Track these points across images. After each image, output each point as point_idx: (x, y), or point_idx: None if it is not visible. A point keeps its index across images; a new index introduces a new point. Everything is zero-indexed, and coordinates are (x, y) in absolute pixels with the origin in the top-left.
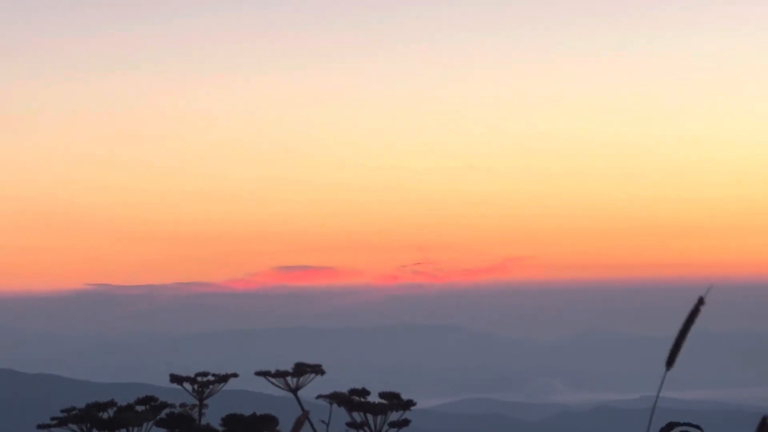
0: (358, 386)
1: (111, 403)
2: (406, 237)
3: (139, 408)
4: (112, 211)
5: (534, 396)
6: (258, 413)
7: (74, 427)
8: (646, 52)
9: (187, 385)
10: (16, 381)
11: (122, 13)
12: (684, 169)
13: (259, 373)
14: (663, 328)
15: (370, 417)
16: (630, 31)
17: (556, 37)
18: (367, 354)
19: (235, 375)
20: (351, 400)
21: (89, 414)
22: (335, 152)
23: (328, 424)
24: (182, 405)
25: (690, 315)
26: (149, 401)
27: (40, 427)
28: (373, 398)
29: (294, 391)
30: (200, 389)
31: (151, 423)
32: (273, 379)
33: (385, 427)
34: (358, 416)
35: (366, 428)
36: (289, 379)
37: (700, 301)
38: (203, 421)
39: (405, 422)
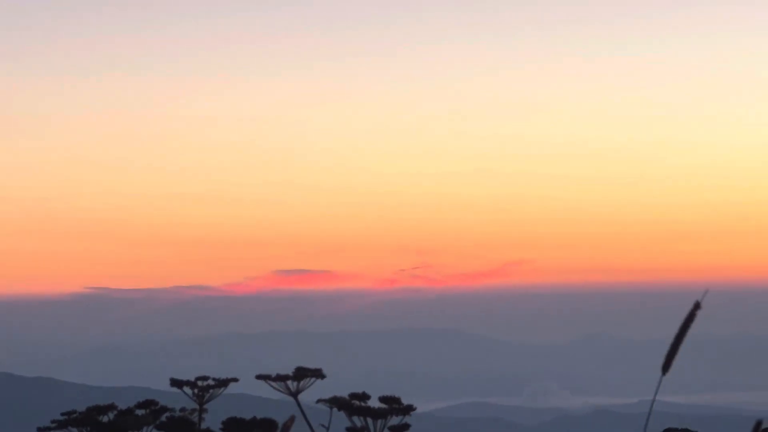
0: (358, 390)
1: (111, 407)
2: (405, 241)
3: (139, 412)
4: (110, 215)
5: (532, 400)
6: (258, 417)
7: (74, 430)
8: (645, 57)
9: (187, 389)
10: (15, 384)
11: (123, 17)
12: (683, 173)
13: (259, 377)
14: (662, 332)
15: (370, 421)
16: (630, 35)
17: (557, 41)
18: (367, 358)
19: (235, 379)
20: (351, 404)
21: (89, 417)
22: (334, 156)
23: (328, 429)
24: (182, 409)
25: (686, 320)
26: (149, 405)
27: (40, 430)
28: (374, 402)
29: (294, 395)
30: (200, 393)
31: (151, 427)
32: (273, 383)
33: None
34: (358, 420)
35: None
36: (289, 383)
37: (696, 306)
38: (203, 425)
39: (405, 426)
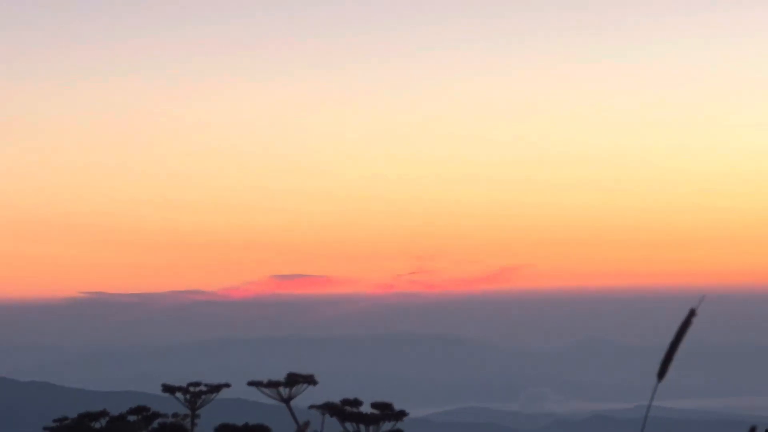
0: (351, 396)
1: (103, 413)
2: (402, 246)
3: (132, 418)
4: (107, 220)
5: (528, 405)
6: (250, 423)
7: None
8: (644, 63)
9: (180, 395)
10: (9, 389)
11: (120, 22)
12: (682, 179)
13: (251, 383)
14: (658, 338)
15: (362, 427)
16: (627, 41)
17: (554, 47)
18: (360, 363)
19: (227, 385)
20: (343, 410)
21: (81, 424)
22: (331, 162)
23: None
24: (175, 415)
25: (681, 327)
26: (141, 411)
27: None
28: (366, 408)
29: (286, 401)
30: (193, 399)
31: None
32: (265, 389)
33: None
34: (350, 426)
35: None
36: (281, 389)
37: (692, 313)
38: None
39: None
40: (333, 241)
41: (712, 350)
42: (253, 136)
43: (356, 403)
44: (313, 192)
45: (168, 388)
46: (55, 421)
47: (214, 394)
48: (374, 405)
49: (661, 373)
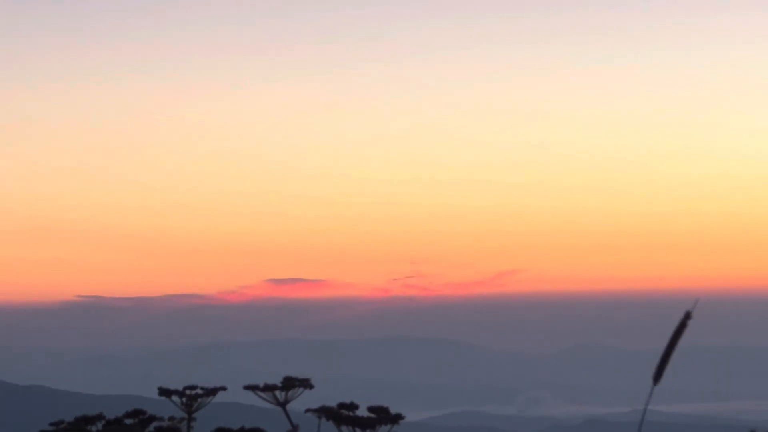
0: (347, 400)
1: (99, 417)
2: (398, 250)
3: (128, 421)
4: (103, 223)
5: (525, 409)
6: (246, 426)
7: None
8: (639, 67)
9: (176, 398)
10: (6, 392)
11: (118, 25)
12: (675, 183)
13: (247, 387)
14: (653, 342)
15: (358, 431)
16: (624, 45)
17: (551, 51)
18: (357, 367)
19: (223, 388)
20: (339, 414)
21: (77, 427)
22: (327, 165)
23: None
24: (171, 418)
25: (676, 330)
26: (138, 414)
27: None
28: (362, 412)
29: (283, 404)
30: (189, 402)
31: None
32: (262, 393)
33: None
34: (346, 430)
35: None
36: (277, 392)
37: (687, 316)
38: None
39: None
40: (328, 245)
41: (708, 353)
42: (249, 140)
43: (352, 406)
44: (309, 196)
45: (164, 392)
46: (51, 424)
47: (211, 398)
48: (370, 409)
49: (657, 377)
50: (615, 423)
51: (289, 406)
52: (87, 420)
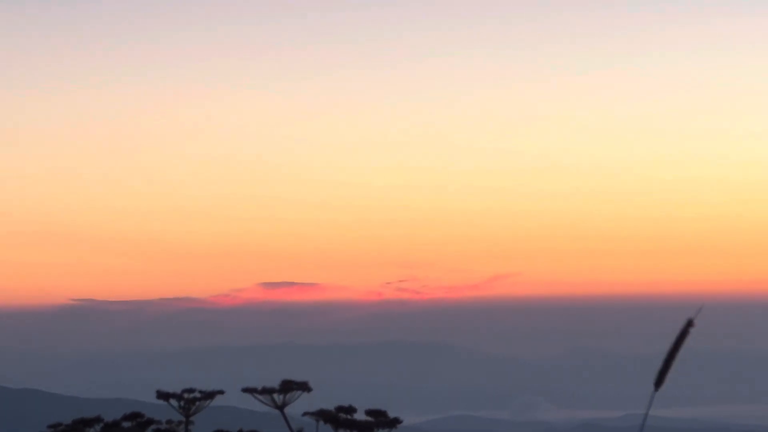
0: (345, 403)
1: (97, 419)
2: (392, 254)
3: (126, 424)
4: (97, 226)
5: (519, 413)
6: (244, 430)
7: None
8: (638, 72)
9: (174, 402)
10: (1, 396)
11: (114, 27)
12: (674, 187)
13: (245, 390)
14: (648, 347)
15: None
16: (621, 50)
17: (543, 56)
18: (354, 371)
19: (221, 392)
20: (337, 417)
21: (75, 430)
22: (320, 169)
23: None
24: (168, 421)
25: (679, 337)
26: (135, 417)
27: None
28: (360, 416)
29: (280, 408)
30: (187, 406)
31: None
32: (259, 396)
33: None
34: None
35: None
36: (275, 395)
37: (689, 324)
38: None
39: None
40: (321, 248)
41: (704, 358)
42: (242, 144)
43: (350, 410)
44: (301, 199)
45: (162, 395)
46: (49, 427)
47: (208, 401)
48: (368, 412)
49: (658, 382)
50: (609, 428)
51: (286, 410)
52: (85, 422)
